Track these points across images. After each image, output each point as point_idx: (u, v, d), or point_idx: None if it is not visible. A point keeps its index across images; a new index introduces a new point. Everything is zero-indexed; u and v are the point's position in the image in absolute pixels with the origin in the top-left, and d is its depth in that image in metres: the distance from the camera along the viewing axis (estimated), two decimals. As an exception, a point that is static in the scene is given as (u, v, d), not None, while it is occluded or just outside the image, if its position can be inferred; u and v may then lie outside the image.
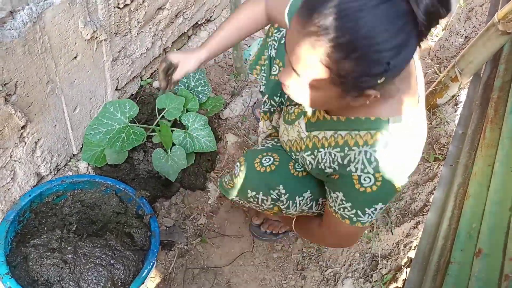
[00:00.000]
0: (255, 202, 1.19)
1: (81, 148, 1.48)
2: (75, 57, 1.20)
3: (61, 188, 1.32)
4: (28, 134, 1.16)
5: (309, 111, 1.03)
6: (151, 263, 1.21)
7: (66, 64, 1.17)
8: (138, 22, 1.41)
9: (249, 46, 2.08)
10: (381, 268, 1.48)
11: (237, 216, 1.65)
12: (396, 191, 0.93)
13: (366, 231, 1.57)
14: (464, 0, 2.44)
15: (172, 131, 1.46)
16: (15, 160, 1.17)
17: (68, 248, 1.18)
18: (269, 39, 1.26)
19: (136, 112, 1.41)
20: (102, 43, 1.27)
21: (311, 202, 1.17)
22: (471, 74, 1.63)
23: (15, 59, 0.97)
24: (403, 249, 1.48)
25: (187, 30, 1.87)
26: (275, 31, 1.27)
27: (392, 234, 1.55)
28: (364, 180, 0.91)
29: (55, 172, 1.42)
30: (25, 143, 1.17)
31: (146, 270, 1.19)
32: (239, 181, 1.20)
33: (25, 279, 1.14)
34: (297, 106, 1.09)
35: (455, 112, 1.77)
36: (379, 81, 0.72)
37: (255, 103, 1.90)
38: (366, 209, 0.96)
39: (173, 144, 1.45)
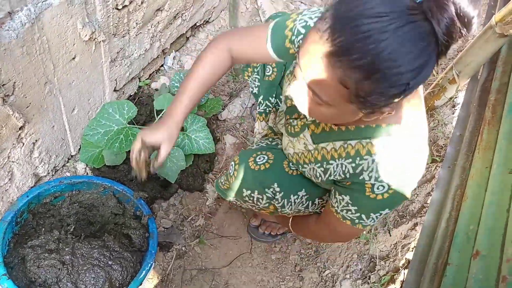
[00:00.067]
0: (250, 202, 1.19)
1: (79, 149, 1.48)
2: (74, 58, 1.19)
3: (59, 189, 1.32)
4: (26, 135, 1.16)
5: (313, 122, 1.02)
6: (149, 264, 1.21)
7: (64, 65, 1.17)
8: (136, 23, 1.41)
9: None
10: (379, 270, 1.48)
11: (235, 217, 1.65)
12: (406, 198, 0.92)
13: (364, 232, 1.57)
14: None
15: (170, 132, 1.46)
16: (13, 161, 1.17)
17: (66, 249, 1.18)
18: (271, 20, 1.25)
19: (134, 113, 1.41)
20: (101, 44, 1.27)
21: (307, 202, 1.17)
22: (469, 76, 1.64)
23: (13, 60, 0.97)
24: (401, 251, 1.49)
25: (186, 32, 1.88)
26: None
27: (390, 236, 1.55)
28: (378, 188, 0.90)
29: (53, 173, 1.41)
30: (23, 144, 1.17)
31: (144, 271, 1.19)
32: (234, 180, 1.20)
33: (22, 280, 1.14)
34: (299, 119, 1.07)
35: (453, 114, 1.78)
36: (396, 100, 0.71)
37: (253, 104, 1.90)
38: (372, 214, 0.96)
39: (172, 145, 1.45)
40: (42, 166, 1.31)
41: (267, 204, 1.17)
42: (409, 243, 1.48)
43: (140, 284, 1.18)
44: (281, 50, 0.99)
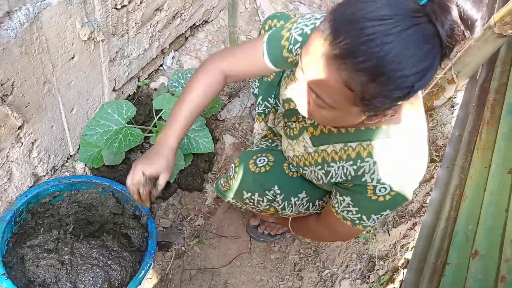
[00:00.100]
0: (251, 204, 1.19)
1: (78, 148, 1.47)
2: (72, 58, 1.19)
3: (58, 189, 1.32)
4: (24, 135, 1.16)
5: (311, 124, 1.02)
6: (148, 264, 1.21)
7: (63, 65, 1.17)
8: (135, 23, 1.41)
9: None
10: (378, 269, 1.48)
11: (235, 217, 1.65)
12: (407, 199, 0.93)
13: (363, 232, 1.58)
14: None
15: (169, 132, 1.46)
16: (11, 161, 1.17)
17: (65, 249, 1.18)
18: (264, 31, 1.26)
19: (133, 113, 1.41)
20: (100, 44, 1.27)
21: (307, 204, 1.17)
22: (468, 76, 1.64)
23: (12, 59, 0.97)
24: (400, 250, 1.49)
25: (185, 31, 1.87)
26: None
27: (389, 235, 1.55)
28: (380, 190, 0.90)
29: (52, 173, 1.41)
30: (22, 143, 1.17)
31: (143, 271, 1.19)
32: (234, 182, 1.20)
33: (21, 280, 1.14)
34: (298, 122, 1.07)
35: (452, 114, 1.78)
36: (400, 103, 0.71)
37: (252, 104, 1.90)
38: (372, 215, 0.96)
39: (171, 145, 1.45)
40: (41, 166, 1.31)
41: (267, 206, 1.17)
42: (408, 243, 1.48)
43: (139, 284, 1.18)
44: (279, 60, 0.99)
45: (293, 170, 1.15)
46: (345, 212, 0.98)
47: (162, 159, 1.03)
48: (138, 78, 1.69)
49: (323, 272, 1.56)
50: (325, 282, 1.53)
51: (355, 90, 0.68)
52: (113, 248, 1.22)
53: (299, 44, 0.95)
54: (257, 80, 1.37)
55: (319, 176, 1.03)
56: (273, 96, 1.33)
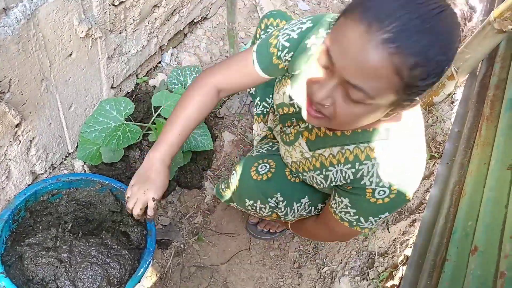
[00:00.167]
0: (253, 210, 1.19)
1: (77, 146, 1.47)
2: (70, 55, 1.19)
3: (56, 187, 1.32)
4: (22, 133, 1.15)
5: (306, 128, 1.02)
6: (147, 262, 1.21)
7: (60, 62, 1.16)
8: (133, 20, 1.40)
9: (245, 44, 2.08)
10: (377, 266, 1.48)
11: (234, 214, 1.65)
12: (407, 200, 0.92)
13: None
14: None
15: (168, 129, 1.45)
16: (9, 159, 1.16)
17: (64, 247, 1.18)
18: (257, 41, 1.25)
19: (132, 110, 1.41)
20: (97, 41, 1.27)
21: (309, 208, 1.16)
22: (467, 72, 1.64)
23: (9, 56, 0.96)
24: (399, 247, 1.49)
25: (183, 28, 1.87)
26: (262, 32, 1.26)
27: (389, 232, 1.55)
28: (379, 193, 0.89)
29: (50, 171, 1.41)
30: (20, 141, 1.16)
31: (142, 269, 1.19)
32: (236, 190, 1.19)
33: (20, 278, 1.13)
34: (292, 127, 1.07)
35: (451, 110, 1.77)
36: (427, 90, 0.69)
37: (251, 101, 1.90)
38: (370, 218, 0.96)
39: (169, 143, 1.44)
40: (39, 164, 1.30)
41: (270, 213, 1.16)
42: (408, 240, 1.48)
43: (139, 282, 1.18)
44: (270, 68, 1.00)
45: (295, 175, 1.14)
46: (343, 213, 0.98)
47: (162, 178, 1.04)
48: (136, 75, 1.69)
49: (322, 269, 1.56)
50: (324, 279, 1.53)
51: (403, 75, 0.65)
52: (112, 246, 1.22)
53: (287, 49, 0.96)
54: None
55: (319, 181, 1.03)
56: (271, 96, 1.32)
